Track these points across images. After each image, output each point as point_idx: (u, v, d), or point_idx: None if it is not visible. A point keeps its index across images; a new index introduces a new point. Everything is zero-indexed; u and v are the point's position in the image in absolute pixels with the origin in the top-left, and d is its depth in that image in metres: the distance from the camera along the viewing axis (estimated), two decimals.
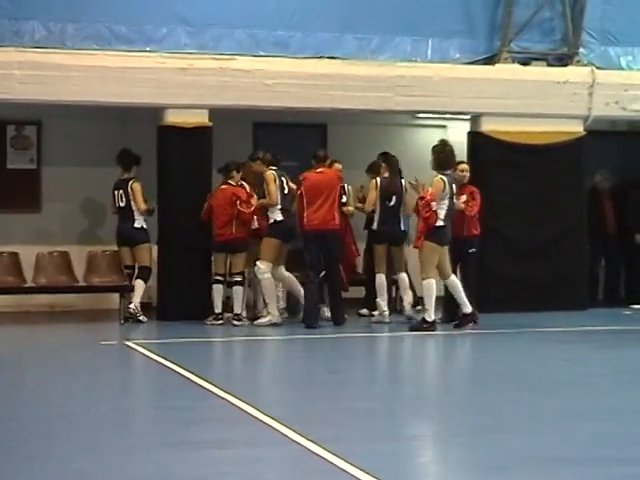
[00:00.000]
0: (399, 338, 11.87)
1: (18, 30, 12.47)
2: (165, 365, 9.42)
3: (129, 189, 12.83)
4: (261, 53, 13.19)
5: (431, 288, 11.58)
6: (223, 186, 12.50)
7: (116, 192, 12.92)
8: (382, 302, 12.52)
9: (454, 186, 11.84)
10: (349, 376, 9.38)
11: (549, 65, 14.21)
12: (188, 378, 8.67)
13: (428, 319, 11.60)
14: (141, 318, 12.56)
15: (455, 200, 11.87)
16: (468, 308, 11.77)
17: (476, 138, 13.89)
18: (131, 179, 12.89)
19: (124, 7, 12.84)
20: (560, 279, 13.71)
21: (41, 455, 6.08)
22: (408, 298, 12.64)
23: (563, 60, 14.21)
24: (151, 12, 12.95)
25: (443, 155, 11.83)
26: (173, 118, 12.91)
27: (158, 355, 9.94)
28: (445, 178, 11.71)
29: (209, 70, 12.89)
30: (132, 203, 12.80)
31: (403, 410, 7.55)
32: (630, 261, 15.12)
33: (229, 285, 12.52)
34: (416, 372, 9.74)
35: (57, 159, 14.01)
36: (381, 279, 12.52)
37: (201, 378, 8.53)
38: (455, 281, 11.78)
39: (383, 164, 12.74)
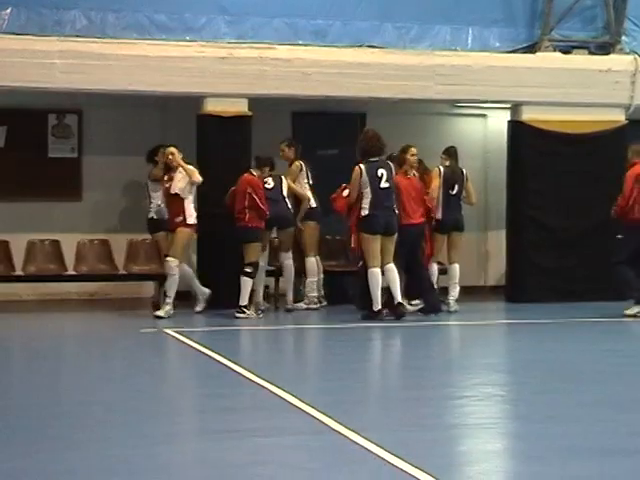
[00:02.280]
0: (438, 327, 11.84)
1: (60, 19, 12.56)
2: (204, 353, 9.46)
3: None
4: (300, 42, 13.18)
5: (374, 277, 11.60)
6: (246, 174, 12.39)
7: None
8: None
9: (381, 171, 11.79)
10: (387, 364, 9.38)
11: (591, 53, 14.09)
12: (227, 366, 8.70)
13: (374, 308, 11.60)
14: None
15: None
16: (377, 305, 11.67)
17: (516, 127, 13.81)
18: None
19: None
20: (599, 269, 13.60)
21: (82, 441, 6.13)
22: (454, 292, 12.59)
23: (605, 48, 14.08)
24: (190, 1, 12.99)
25: (364, 142, 11.89)
26: (212, 107, 12.93)
27: (197, 343, 9.98)
28: (363, 166, 11.74)
29: (248, 59, 12.90)
30: None
31: (442, 399, 7.53)
32: None
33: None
34: (452, 362, 9.71)
35: (97, 148, 14.10)
36: (434, 268, 12.50)
37: (240, 366, 8.56)
38: (391, 272, 11.71)
39: (443, 154, 12.72)
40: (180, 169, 12.08)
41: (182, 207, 12.04)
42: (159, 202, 12.72)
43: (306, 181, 12.81)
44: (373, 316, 11.66)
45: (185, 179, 12.07)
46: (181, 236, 12.07)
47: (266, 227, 12.34)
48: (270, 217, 12.29)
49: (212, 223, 12.67)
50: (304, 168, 12.82)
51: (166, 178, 12.27)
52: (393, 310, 11.76)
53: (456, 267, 12.65)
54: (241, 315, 12.00)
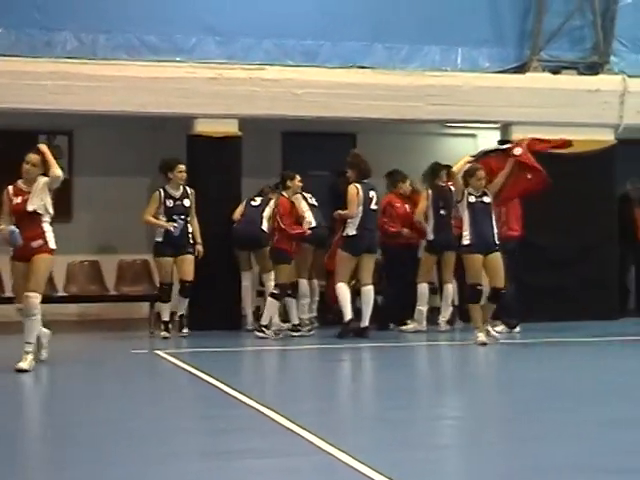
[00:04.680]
0: (433, 348, 11.84)
1: (50, 41, 12.58)
2: (195, 374, 9.43)
3: None
4: (290, 63, 13.22)
5: (341, 291, 11.76)
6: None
7: None
8: (424, 309, 12.50)
9: (372, 193, 11.99)
10: (379, 386, 9.36)
11: (580, 74, 14.16)
12: (218, 387, 8.67)
13: (344, 321, 11.74)
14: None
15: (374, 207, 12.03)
16: (347, 316, 11.82)
17: None
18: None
19: (154, 17, 12.92)
20: (591, 288, 13.63)
21: (73, 462, 6.10)
22: (446, 312, 12.61)
23: (594, 68, 14.15)
24: (180, 22, 13.02)
25: (361, 164, 12.09)
26: (203, 128, 12.95)
27: (188, 364, 9.96)
28: (359, 185, 11.93)
29: (238, 80, 12.93)
30: None
31: (433, 419, 7.51)
32: None
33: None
34: (449, 381, 9.70)
35: (88, 169, 14.10)
36: (424, 289, 12.50)
37: (231, 387, 8.53)
38: (367, 294, 11.89)
39: (429, 174, 12.77)
40: (39, 179, 9.52)
41: (41, 228, 9.54)
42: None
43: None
44: (344, 328, 11.78)
45: (45, 191, 9.50)
46: (43, 265, 9.55)
47: (236, 247, 12.47)
48: (239, 237, 12.32)
49: (203, 244, 12.67)
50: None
51: (14, 191, 9.61)
52: (359, 332, 11.85)
53: (449, 287, 12.65)
54: (261, 335, 11.97)
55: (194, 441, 6.79)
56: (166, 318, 12.15)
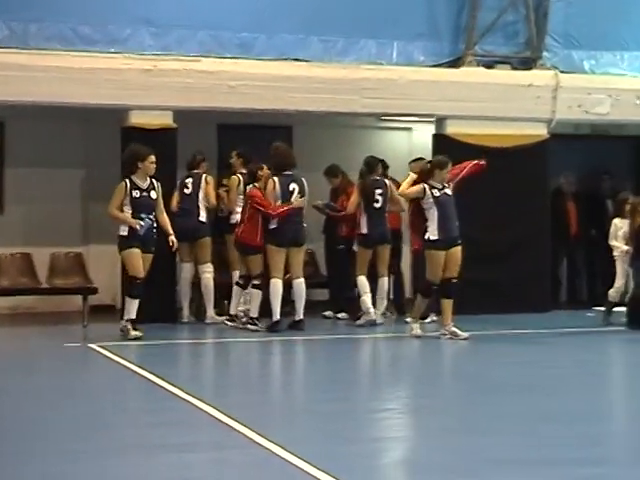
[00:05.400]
0: (364, 340, 11.88)
1: None
2: (129, 368, 9.36)
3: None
4: (225, 55, 13.15)
5: (274, 289, 11.71)
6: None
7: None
8: (368, 299, 12.51)
9: (293, 185, 11.94)
10: (313, 378, 9.38)
11: (513, 68, 14.28)
12: (152, 381, 8.62)
13: (273, 319, 11.70)
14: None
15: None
16: (276, 315, 11.76)
17: (441, 141, 13.92)
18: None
19: (87, 8, 12.74)
20: (523, 281, 13.76)
21: (10, 459, 6.02)
22: (381, 306, 12.65)
23: (527, 63, 14.29)
24: (115, 13, 12.86)
25: (278, 156, 12.05)
26: (137, 119, 12.84)
27: (122, 357, 9.88)
28: (276, 179, 11.89)
29: (173, 71, 12.83)
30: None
31: (366, 412, 7.54)
32: (592, 263, 15.22)
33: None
34: (382, 375, 9.74)
35: (20, 160, 13.89)
36: (363, 280, 12.52)
37: (165, 381, 8.48)
38: (299, 286, 11.90)
39: (363, 167, 12.78)
40: None
41: None
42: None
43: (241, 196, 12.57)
44: (272, 327, 11.76)
45: None
46: None
47: (176, 239, 12.30)
48: (178, 229, 12.11)
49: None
50: (242, 183, 12.66)
51: None
52: (294, 325, 11.87)
53: (384, 281, 12.68)
54: (252, 327, 11.86)
55: (127, 435, 6.74)
56: (133, 316, 11.37)
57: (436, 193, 11.29)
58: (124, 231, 11.26)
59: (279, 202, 11.89)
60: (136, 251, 11.21)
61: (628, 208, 12.75)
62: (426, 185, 11.32)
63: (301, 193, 12.06)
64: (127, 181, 11.39)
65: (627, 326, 12.47)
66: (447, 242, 11.27)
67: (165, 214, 11.63)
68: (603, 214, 14.61)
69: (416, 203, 11.67)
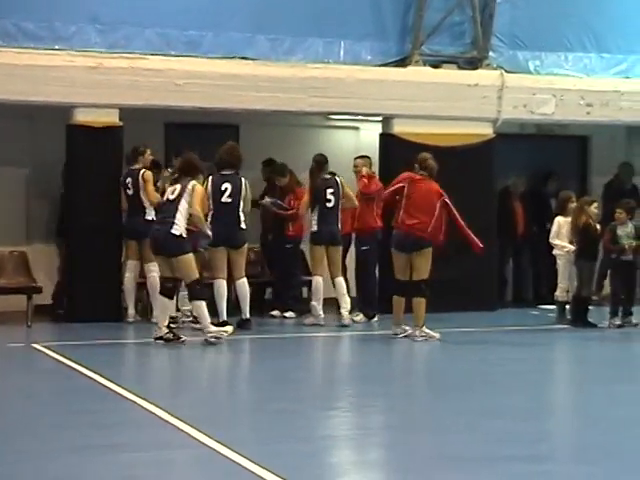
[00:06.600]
0: (315, 339, 11.87)
1: None
2: (73, 368, 9.27)
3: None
4: (172, 53, 13.07)
5: (218, 290, 11.64)
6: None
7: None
8: (318, 305, 12.48)
9: (226, 185, 11.79)
10: (261, 377, 9.35)
11: (459, 68, 14.36)
12: (96, 381, 8.55)
13: (220, 319, 11.58)
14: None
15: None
16: (222, 316, 11.62)
17: (388, 140, 13.96)
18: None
19: (32, 3, 12.60)
20: (470, 280, 13.82)
21: None
22: (346, 304, 12.57)
23: (473, 63, 14.37)
24: (60, 9, 12.72)
25: (219, 155, 11.97)
26: (82, 117, 12.72)
27: (66, 357, 9.78)
28: (210, 178, 11.80)
29: (119, 69, 12.73)
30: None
31: (314, 410, 7.54)
32: (538, 262, 15.35)
33: None
34: (331, 374, 9.76)
35: None
36: (318, 282, 12.48)
37: (110, 381, 8.42)
38: (241, 287, 11.87)
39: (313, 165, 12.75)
40: None
41: None
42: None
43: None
44: (244, 325, 11.75)
45: None
46: None
47: (125, 237, 12.18)
48: (125, 228, 11.91)
49: (82, 234, 12.47)
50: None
51: None
52: (241, 324, 11.83)
53: (340, 280, 12.63)
54: (197, 326, 11.39)
55: (69, 436, 6.68)
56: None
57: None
58: (184, 233, 10.86)
59: (210, 201, 11.77)
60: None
61: (574, 206, 12.87)
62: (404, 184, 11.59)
63: (233, 193, 11.79)
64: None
65: (571, 324, 12.60)
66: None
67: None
68: (548, 213, 14.74)
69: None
